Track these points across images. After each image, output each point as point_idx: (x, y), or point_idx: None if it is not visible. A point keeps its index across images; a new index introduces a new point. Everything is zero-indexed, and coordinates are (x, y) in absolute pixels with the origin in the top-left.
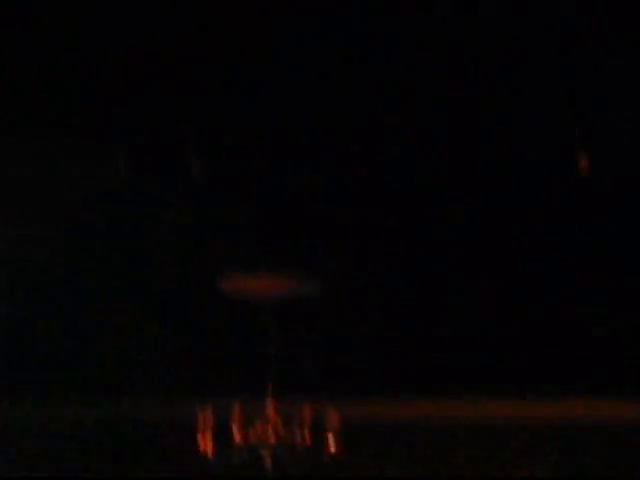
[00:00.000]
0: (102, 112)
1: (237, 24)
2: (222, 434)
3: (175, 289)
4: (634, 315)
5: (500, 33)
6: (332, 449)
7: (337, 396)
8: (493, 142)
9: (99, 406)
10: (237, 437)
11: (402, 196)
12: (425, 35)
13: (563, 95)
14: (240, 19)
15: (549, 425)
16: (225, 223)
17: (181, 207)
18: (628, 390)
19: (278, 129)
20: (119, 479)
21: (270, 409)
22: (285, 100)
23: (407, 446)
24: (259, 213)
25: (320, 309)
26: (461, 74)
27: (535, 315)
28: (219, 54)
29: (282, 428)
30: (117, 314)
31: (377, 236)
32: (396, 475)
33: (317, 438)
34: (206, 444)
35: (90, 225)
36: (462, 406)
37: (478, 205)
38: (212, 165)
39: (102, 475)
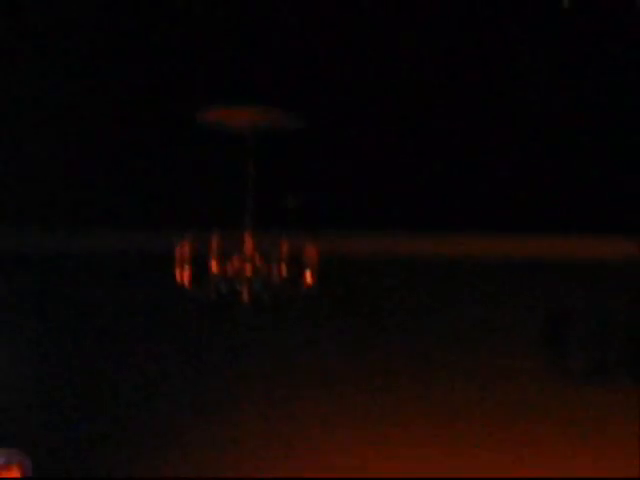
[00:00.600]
0: None
1: None
2: (200, 266)
3: (156, 121)
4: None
5: None
6: (309, 283)
7: (316, 232)
8: None
9: (83, 238)
10: (215, 269)
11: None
12: None
13: None
14: None
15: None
16: (208, 57)
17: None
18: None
19: None
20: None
21: (248, 243)
22: None
23: (381, 281)
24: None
25: (301, 143)
26: None
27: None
28: None
29: (260, 262)
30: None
31: (362, 70)
32: (369, 309)
33: (294, 272)
34: (184, 275)
35: None
36: (439, 242)
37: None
38: None
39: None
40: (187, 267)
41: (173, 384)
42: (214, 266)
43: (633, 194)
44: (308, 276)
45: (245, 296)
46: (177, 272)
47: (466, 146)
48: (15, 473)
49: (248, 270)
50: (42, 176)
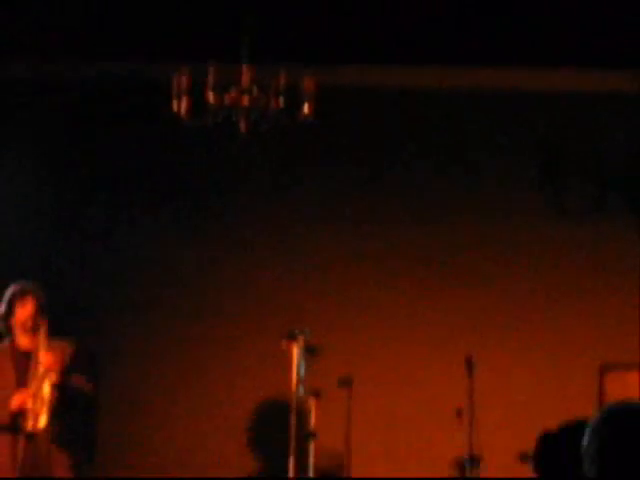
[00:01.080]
0: None
1: None
2: (198, 97)
3: None
4: None
5: None
6: (306, 114)
7: (313, 63)
8: None
9: (81, 68)
10: (212, 100)
11: None
12: None
13: None
14: None
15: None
16: None
17: None
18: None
19: None
20: None
21: (246, 75)
22: None
23: (380, 112)
24: None
25: None
26: None
27: None
28: None
29: (257, 93)
30: None
31: None
32: (367, 141)
33: (291, 103)
34: (181, 105)
35: None
36: (439, 75)
37: None
38: None
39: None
40: (185, 98)
41: (167, 217)
42: (211, 97)
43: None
44: (306, 107)
45: (242, 126)
46: (175, 102)
47: None
48: (30, 302)
49: (245, 100)
50: (40, 5)
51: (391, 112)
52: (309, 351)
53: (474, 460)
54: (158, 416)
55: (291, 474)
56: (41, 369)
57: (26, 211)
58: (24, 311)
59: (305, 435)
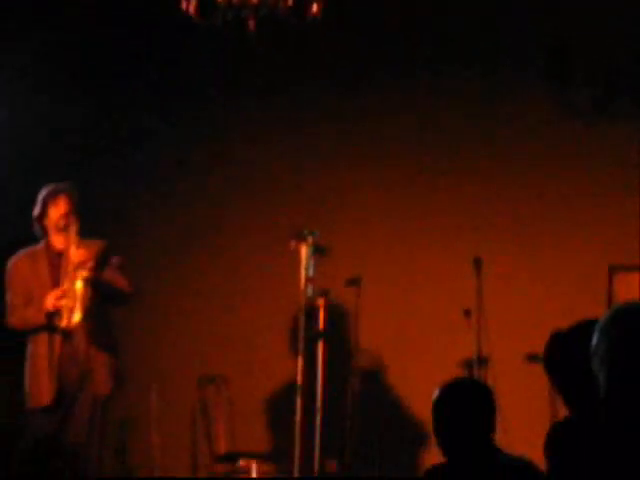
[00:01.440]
0: None
1: None
2: None
3: None
4: None
5: None
6: (314, 13)
7: None
8: None
9: None
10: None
11: None
12: None
13: None
14: None
15: None
16: None
17: None
18: None
19: None
20: None
21: None
22: None
23: (389, 12)
24: None
25: None
26: None
27: None
28: None
29: None
30: None
31: None
32: (373, 41)
33: (300, 2)
34: (190, 4)
35: None
36: None
37: None
38: None
39: None
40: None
41: (175, 117)
42: None
43: None
44: (314, 7)
45: (251, 24)
46: (183, 1)
47: None
48: (63, 201)
49: None
50: None
51: (399, 12)
52: (318, 251)
53: (482, 361)
54: (171, 311)
55: (299, 375)
56: (72, 266)
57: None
58: (57, 210)
59: (314, 335)
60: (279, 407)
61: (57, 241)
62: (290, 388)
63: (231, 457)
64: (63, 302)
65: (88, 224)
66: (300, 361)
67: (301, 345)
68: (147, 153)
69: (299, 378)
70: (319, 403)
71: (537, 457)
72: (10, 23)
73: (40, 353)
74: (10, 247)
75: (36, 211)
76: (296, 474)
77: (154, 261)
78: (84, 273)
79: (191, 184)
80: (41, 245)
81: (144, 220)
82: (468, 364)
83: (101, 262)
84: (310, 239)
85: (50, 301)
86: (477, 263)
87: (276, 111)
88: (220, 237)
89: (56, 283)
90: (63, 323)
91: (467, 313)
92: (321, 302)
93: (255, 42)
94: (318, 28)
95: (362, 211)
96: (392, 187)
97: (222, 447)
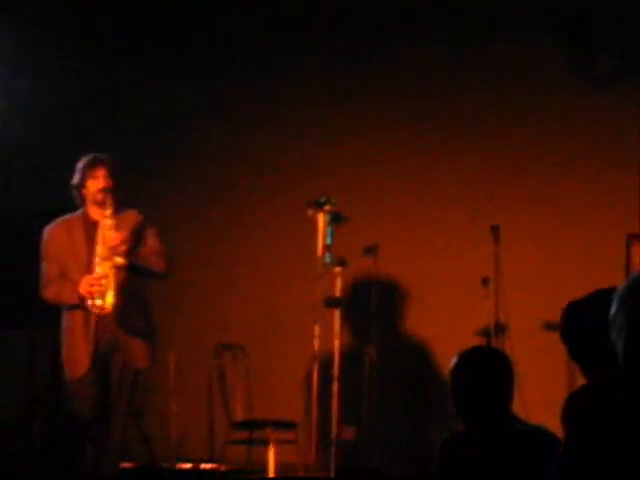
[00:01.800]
0: None
1: None
2: None
3: None
4: None
5: None
6: None
7: None
8: None
9: None
10: None
11: None
12: None
13: None
14: None
15: None
16: None
17: None
18: None
19: None
20: None
21: None
22: None
23: None
24: None
25: None
26: None
27: None
28: None
29: None
30: None
31: None
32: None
33: None
34: None
35: None
36: None
37: None
38: None
39: None
40: None
41: (198, 86)
42: None
43: None
44: None
45: None
46: None
47: None
48: (102, 175)
49: None
50: None
51: None
52: (335, 219)
53: (500, 329)
54: (188, 279)
55: (317, 342)
56: (106, 250)
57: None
58: (95, 183)
59: (331, 302)
60: (296, 374)
61: (94, 212)
62: (307, 355)
63: (248, 424)
64: (96, 289)
65: None
66: (317, 328)
67: (318, 313)
68: (169, 123)
69: (316, 345)
70: (336, 370)
71: (554, 425)
72: None
73: (76, 327)
74: (39, 217)
75: (75, 179)
76: (313, 441)
77: (172, 229)
78: (118, 260)
79: (211, 153)
80: (78, 214)
81: (163, 187)
82: (486, 332)
83: (136, 239)
84: (328, 207)
85: (84, 287)
86: (495, 231)
87: (292, 82)
88: (238, 205)
89: (91, 254)
90: (96, 309)
91: (485, 281)
92: (338, 270)
93: None
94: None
95: (380, 179)
96: (410, 155)
97: (239, 414)
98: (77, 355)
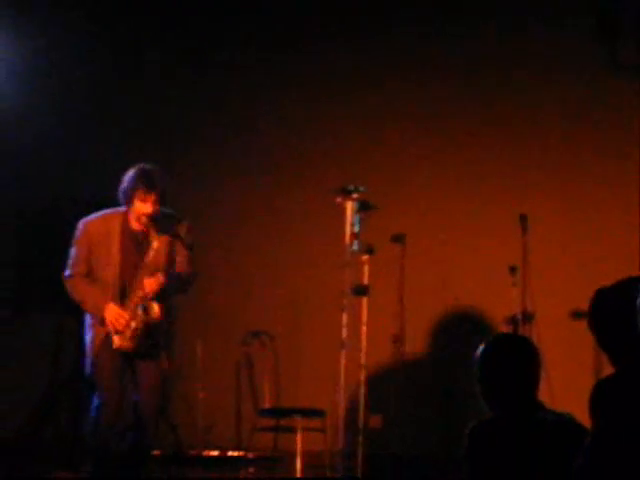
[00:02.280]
0: None
1: None
2: None
3: None
4: None
5: None
6: None
7: None
8: None
9: None
10: None
11: None
12: None
13: None
14: None
15: None
16: None
17: None
18: None
19: None
20: None
21: None
22: None
23: None
24: None
25: None
26: None
27: None
28: None
29: None
30: None
31: None
32: None
33: None
34: None
35: None
36: None
37: None
38: None
39: None
40: None
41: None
42: None
43: None
44: None
45: None
46: None
47: None
48: (151, 201)
49: None
50: None
51: None
52: (363, 207)
53: (527, 317)
54: (216, 267)
55: (344, 330)
56: (140, 293)
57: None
58: (143, 207)
59: (358, 290)
60: (323, 362)
61: (135, 225)
62: (335, 343)
63: (275, 412)
64: (119, 325)
65: None
66: (345, 316)
67: (346, 300)
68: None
69: (344, 333)
70: (363, 358)
71: (581, 414)
72: None
73: (98, 330)
74: (66, 205)
75: (123, 187)
76: (341, 429)
77: (200, 216)
78: (154, 308)
79: (240, 140)
80: (119, 213)
81: (191, 176)
82: (513, 320)
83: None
84: (356, 194)
85: (110, 315)
86: (523, 219)
87: (322, 69)
88: (266, 193)
89: (124, 258)
90: (115, 344)
91: (512, 270)
92: (366, 258)
93: None
94: None
95: (408, 167)
96: (438, 144)
97: (267, 402)
98: (101, 352)
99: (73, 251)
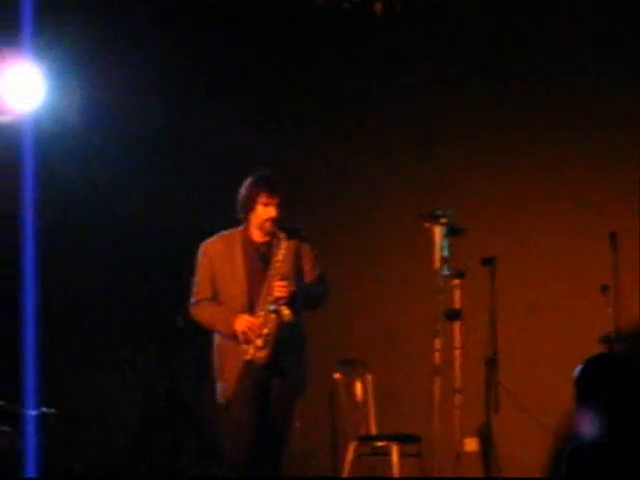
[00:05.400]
0: None
1: None
2: None
3: None
4: None
5: None
6: None
7: None
8: None
9: None
10: None
11: None
12: None
13: None
14: None
15: None
16: None
17: None
18: None
19: None
20: None
21: None
22: None
23: None
24: None
25: None
26: None
27: None
28: None
29: None
30: None
31: None
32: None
33: None
34: None
35: None
36: None
37: None
38: None
39: None
40: None
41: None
42: None
43: None
44: None
45: (378, 8)
46: None
47: None
48: (274, 206)
49: None
50: None
51: None
52: (452, 231)
53: (621, 337)
54: None
55: (437, 355)
56: (270, 298)
57: None
58: (266, 212)
59: (451, 315)
60: (418, 388)
61: (256, 234)
62: (428, 368)
63: (371, 439)
64: (252, 335)
65: None
66: (438, 342)
67: (438, 325)
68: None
69: (437, 359)
70: (457, 382)
71: None
72: None
73: (228, 348)
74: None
75: (243, 196)
76: (437, 454)
77: None
78: (285, 313)
79: (334, 171)
80: (238, 231)
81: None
82: (607, 340)
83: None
84: (444, 219)
85: (241, 325)
86: (613, 238)
87: (409, 88)
88: (354, 218)
89: (250, 275)
90: (248, 356)
91: (604, 289)
92: (457, 282)
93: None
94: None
95: (495, 190)
96: (525, 165)
97: (362, 429)
98: (227, 375)
99: (196, 278)
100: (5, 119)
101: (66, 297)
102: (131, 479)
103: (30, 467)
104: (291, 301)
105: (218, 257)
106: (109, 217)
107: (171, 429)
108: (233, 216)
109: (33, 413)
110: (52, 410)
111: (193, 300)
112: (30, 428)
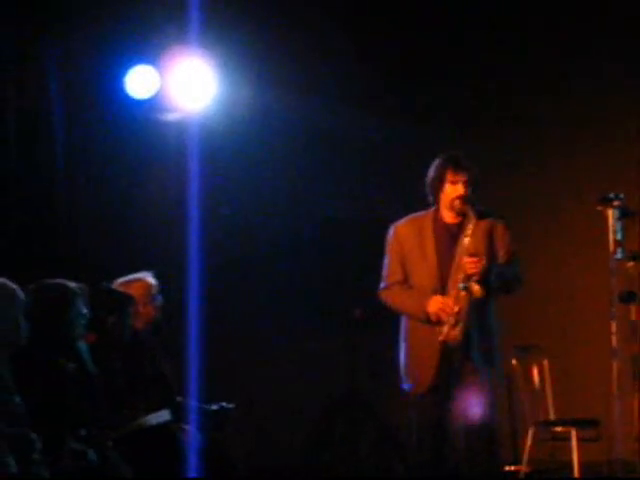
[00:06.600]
0: None
1: None
2: None
3: None
4: None
5: None
6: None
7: None
8: None
9: None
10: None
11: None
12: None
13: None
14: None
15: None
16: None
17: None
18: None
19: None
20: None
21: None
22: None
23: None
24: None
25: None
26: None
27: None
28: None
29: None
30: None
31: None
32: None
33: None
34: None
35: None
36: None
37: None
38: None
39: None
40: None
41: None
42: None
43: None
44: None
45: None
46: None
47: None
48: (463, 182)
49: None
50: None
51: None
52: (624, 214)
53: None
54: None
55: (614, 338)
56: (462, 274)
57: None
58: (454, 190)
59: (625, 297)
60: (595, 371)
61: (447, 215)
62: (606, 352)
63: (550, 424)
64: (445, 314)
65: None
66: (614, 325)
67: (614, 308)
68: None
69: (614, 342)
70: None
71: None
72: None
73: (420, 336)
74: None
75: (431, 177)
76: (616, 438)
77: None
78: (475, 289)
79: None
80: (428, 213)
81: None
82: None
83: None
84: (616, 202)
85: (434, 306)
86: None
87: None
88: (531, 206)
89: (442, 258)
90: (440, 336)
91: None
92: (631, 265)
93: None
94: None
95: None
96: None
97: (541, 414)
98: (419, 365)
99: (386, 261)
100: (174, 117)
101: (238, 294)
102: (311, 470)
103: (210, 463)
104: (482, 277)
105: (407, 239)
106: (275, 212)
107: (350, 421)
108: (395, 206)
109: (214, 408)
110: (232, 405)
111: (383, 284)
112: (209, 424)
